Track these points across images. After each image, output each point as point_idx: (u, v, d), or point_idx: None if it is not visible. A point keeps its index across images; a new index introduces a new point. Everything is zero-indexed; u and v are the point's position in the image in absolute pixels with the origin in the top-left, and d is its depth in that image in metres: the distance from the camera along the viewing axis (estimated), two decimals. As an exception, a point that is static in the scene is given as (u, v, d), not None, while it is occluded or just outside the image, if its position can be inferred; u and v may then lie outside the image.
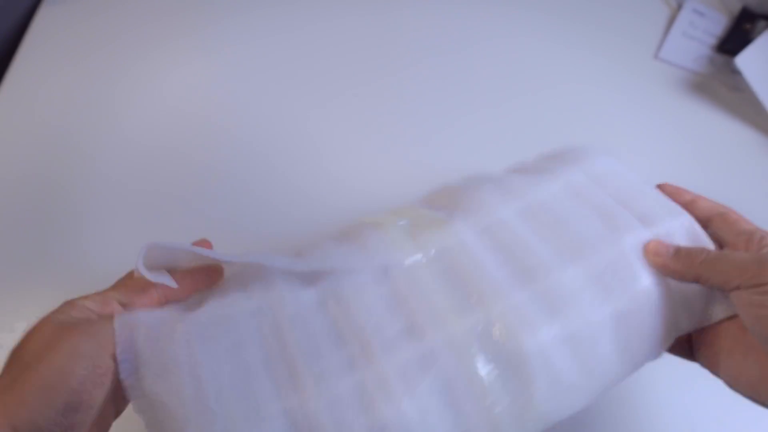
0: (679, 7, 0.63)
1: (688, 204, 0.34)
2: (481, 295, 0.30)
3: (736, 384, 0.29)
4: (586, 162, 0.37)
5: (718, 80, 0.59)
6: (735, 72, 0.58)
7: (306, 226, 0.50)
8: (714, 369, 0.30)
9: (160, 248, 0.29)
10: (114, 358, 0.27)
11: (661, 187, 0.36)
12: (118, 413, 0.29)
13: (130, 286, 0.30)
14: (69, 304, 0.29)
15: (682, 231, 0.33)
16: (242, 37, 0.61)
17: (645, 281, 0.31)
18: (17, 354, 0.27)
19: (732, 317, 0.30)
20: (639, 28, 0.62)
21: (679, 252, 0.30)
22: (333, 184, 0.52)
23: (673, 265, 0.30)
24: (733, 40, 0.60)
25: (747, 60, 0.56)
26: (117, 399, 0.28)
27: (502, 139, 0.55)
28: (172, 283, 0.30)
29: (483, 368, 0.29)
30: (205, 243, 0.33)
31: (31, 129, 0.56)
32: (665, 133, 0.56)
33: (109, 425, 0.28)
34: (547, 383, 0.29)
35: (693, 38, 0.61)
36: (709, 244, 0.33)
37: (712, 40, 0.61)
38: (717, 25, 0.62)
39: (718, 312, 0.31)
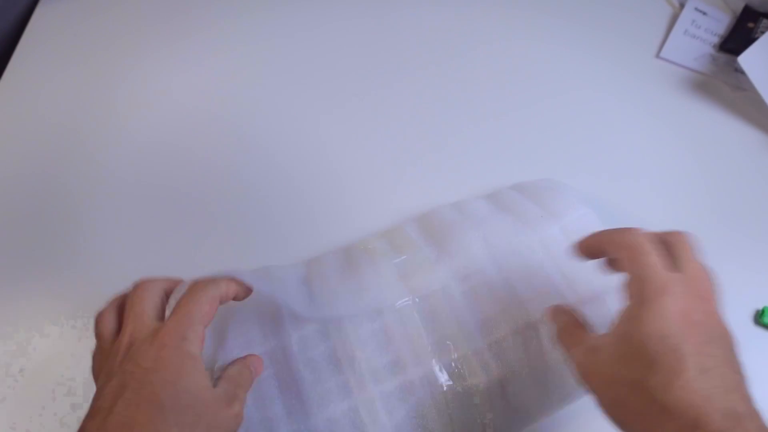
0: (682, 5, 0.63)
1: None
2: (455, 340, 0.38)
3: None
4: (565, 218, 0.43)
5: (720, 79, 0.59)
6: (738, 71, 0.57)
7: (309, 226, 0.50)
8: None
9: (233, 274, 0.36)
10: None
11: None
12: None
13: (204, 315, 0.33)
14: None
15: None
16: (241, 36, 0.61)
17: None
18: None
19: None
20: (641, 27, 0.62)
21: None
22: (337, 184, 0.52)
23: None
24: (736, 39, 0.59)
25: (750, 59, 0.55)
26: None
27: (504, 137, 0.55)
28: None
29: (450, 401, 0.36)
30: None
31: (29, 128, 0.55)
32: (667, 132, 0.56)
33: None
34: (499, 412, 0.37)
35: (695, 37, 0.61)
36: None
37: (715, 39, 0.61)
38: (719, 23, 0.62)
39: None
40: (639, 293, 0.28)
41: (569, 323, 0.33)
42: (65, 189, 0.52)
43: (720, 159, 0.55)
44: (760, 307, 0.47)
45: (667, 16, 0.63)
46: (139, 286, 0.35)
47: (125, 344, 0.31)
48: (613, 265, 0.34)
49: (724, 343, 0.28)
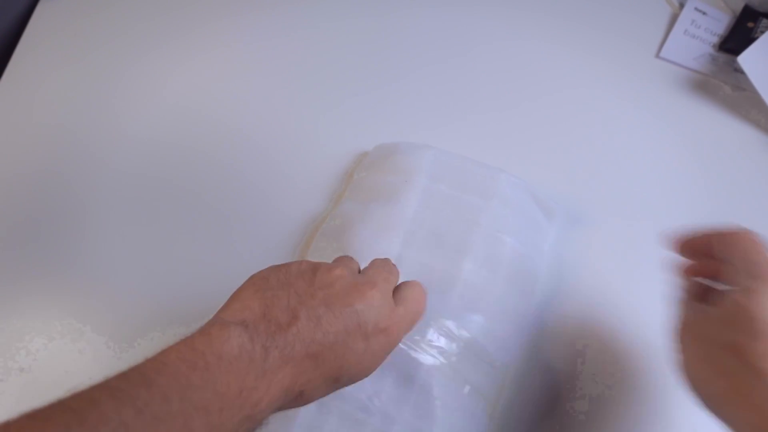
0: (681, 5, 0.63)
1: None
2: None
3: None
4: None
5: (720, 79, 0.59)
6: (737, 71, 0.57)
7: (309, 223, 0.50)
8: None
9: None
10: None
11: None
12: None
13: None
14: None
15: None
16: (242, 34, 0.61)
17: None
18: None
19: None
20: (640, 26, 0.62)
21: None
22: (336, 181, 0.52)
23: None
24: (736, 39, 0.59)
25: (749, 59, 0.55)
26: None
27: (502, 136, 0.55)
28: None
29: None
30: None
31: (30, 127, 0.55)
32: (667, 132, 0.56)
33: None
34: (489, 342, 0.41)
35: (695, 37, 0.61)
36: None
37: (714, 39, 0.61)
38: (719, 23, 0.62)
39: None
40: (758, 274, 0.31)
41: (696, 286, 0.36)
42: (65, 187, 0.52)
43: (719, 158, 0.55)
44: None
45: (666, 15, 0.63)
46: None
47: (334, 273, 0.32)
48: (704, 267, 0.36)
49: None
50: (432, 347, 0.39)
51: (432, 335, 0.40)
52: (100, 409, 0.23)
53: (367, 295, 0.31)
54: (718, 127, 0.56)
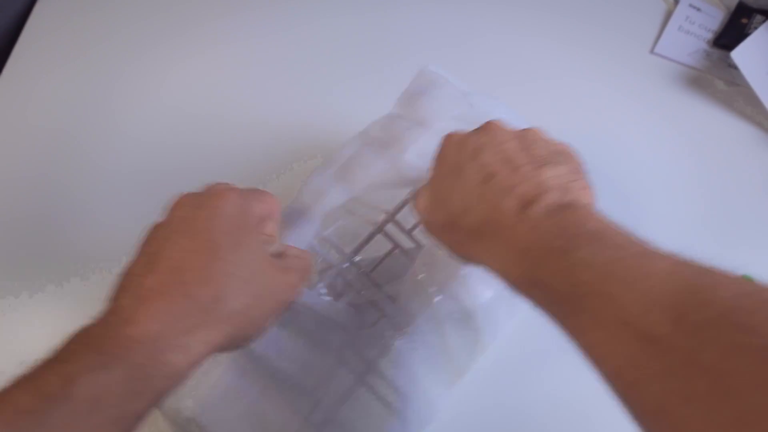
0: (676, 1, 0.63)
1: None
2: None
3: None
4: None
5: (714, 75, 0.59)
6: (731, 66, 0.58)
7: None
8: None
9: None
10: None
11: None
12: None
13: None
14: None
15: None
16: (242, 33, 0.61)
17: None
18: None
19: None
20: (635, 22, 0.62)
21: None
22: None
23: None
24: (730, 35, 0.60)
25: (743, 54, 0.56)
26: None
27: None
28: None
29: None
30: None
31: (29, 125, 0.56)
32: (661, 127, 0.56)
33: None
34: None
35: (689, 33, 0.61)
36: None
37: (709, 35, 0.61)
38: (713, 19, 0.62)
39: None
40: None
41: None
42: (63, 185, 0.52)
43: (713, 153, 0.55)
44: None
45: (661, 12, 0.63)
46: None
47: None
48: None
49: None
50: None
51: None
52: None
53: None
54: (712, 122, 0.57)
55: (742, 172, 0.54)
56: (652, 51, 0.61)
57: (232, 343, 0.29)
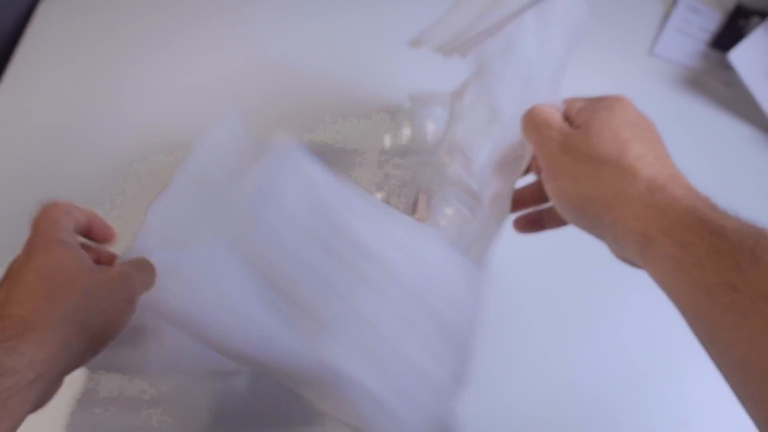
0: (674, 3, 0.64)
1: None
2: None
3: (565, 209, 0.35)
4: None
5: (711, 76, 0.60)
6: (728, 67, 0.58)
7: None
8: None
9: None
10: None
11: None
12: None
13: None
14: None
15: None
16: (242, 32, 0.62)
17: None
18: None
19: None
20: (633, 24, 0.63)
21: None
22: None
23: None
24: (727, 36, 0.60)
25: (740, 55, 0.56)
26: None
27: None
28: None
29: None
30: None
31: (31, 125, 0.56)
32: (659, 128, 0.56)
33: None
34: None
35: (687, 34, 0.62)
36: None
37: (706, 36, 0.62)
38: (711, 21, 0.62)
39: None
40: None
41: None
42: (65, 186, 0.53)
43: (711, 154, 0.55)
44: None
45: (659, 13, 0.64)
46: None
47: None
48: None
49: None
50: None
51: None
52: None
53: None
54: (710, 123, 0.57)
55: (739, 172, 0.55)
56: (650, 52, 0.61)
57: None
